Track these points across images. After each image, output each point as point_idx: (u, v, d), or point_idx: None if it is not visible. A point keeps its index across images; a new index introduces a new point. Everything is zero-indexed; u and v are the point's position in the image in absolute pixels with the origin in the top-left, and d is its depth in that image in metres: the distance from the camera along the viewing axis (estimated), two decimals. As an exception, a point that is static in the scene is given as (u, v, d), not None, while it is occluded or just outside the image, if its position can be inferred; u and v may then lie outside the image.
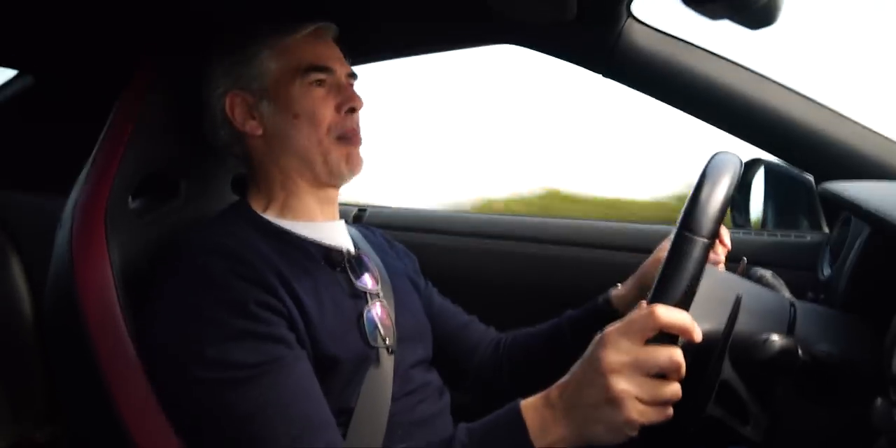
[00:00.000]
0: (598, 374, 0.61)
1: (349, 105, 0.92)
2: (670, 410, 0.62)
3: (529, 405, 0.66)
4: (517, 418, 0.65)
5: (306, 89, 0.90)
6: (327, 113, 0.90)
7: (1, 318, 1.00)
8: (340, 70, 0.93)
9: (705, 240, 0.62)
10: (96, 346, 0.78)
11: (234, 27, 0.94)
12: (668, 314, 0.60)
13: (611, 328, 0.62)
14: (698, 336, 0.61)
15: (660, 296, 0.62)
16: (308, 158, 0.90)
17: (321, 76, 0.91)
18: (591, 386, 0.61)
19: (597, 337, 0.63)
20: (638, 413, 0.60)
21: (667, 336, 0.60)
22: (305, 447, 0.71)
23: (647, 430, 0.61)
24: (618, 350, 0.60)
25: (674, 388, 0.61)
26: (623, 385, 0.59)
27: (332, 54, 0.94)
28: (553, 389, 0.65)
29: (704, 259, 0.62)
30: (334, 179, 0.93)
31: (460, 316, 1.11)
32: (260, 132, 0.91)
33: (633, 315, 0.62)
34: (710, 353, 0.64)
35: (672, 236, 0.63)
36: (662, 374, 0.60)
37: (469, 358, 1.08)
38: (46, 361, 0.99)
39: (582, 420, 0.62)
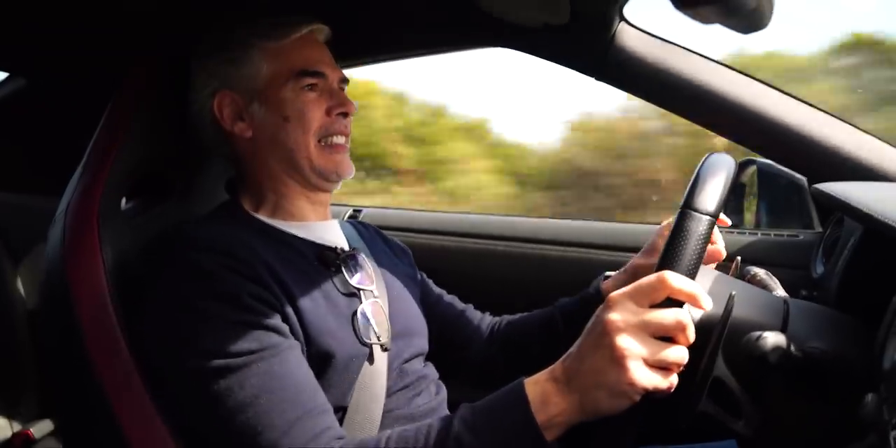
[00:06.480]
0: (602, 334, 0.60)
1: (341, 109, 0.92)
2: (675, 378, 0.61)
3: (532, 380, 0.65)
4: (519, 392, 0.65)
5: (298, 93, 0.90)
6: (317, 115, 0.90)
7: None
8: (332, 75, 0.93)
9: (709, 217, 0.62)
10: (89, 344, 0.78)
11: (225, 27, 0.94)
12: (678, 280, 0.60)
13: (617, 292, 0.62)
14: (707, 304, 0.60)
15: (666, 265, 0.61)
16: (296, 162, 0.90)
17: (313, 81, 0.91)
18: (594, 349, 0.61)
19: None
20: (642, 375, 0.59)
21: (673, 303, 0.60)
22: (303, 433, 0.71)
23: (645, 416, 0.61)
24: (623, 310, 0.60)
25: (679, 352, 0.60)
26: (627, 343, 0.59)
27: (324, 59, 0.94)
28: (557, 363, 0.65)
29: (708, 235, 0.62)
30: (323, 183, 0.93)
31: (456, 304, 1.12)
32: (249, 134, 0.91)
33: (642, 280, 0.61)
34: (703, 350, 0.65)
35: (675, 217, 0.63)
36: (669, 339, 0.60)
37: (467, 345, 1.08)
38: (39, 358, 0.99)
39: (584, 387, 0.61)
